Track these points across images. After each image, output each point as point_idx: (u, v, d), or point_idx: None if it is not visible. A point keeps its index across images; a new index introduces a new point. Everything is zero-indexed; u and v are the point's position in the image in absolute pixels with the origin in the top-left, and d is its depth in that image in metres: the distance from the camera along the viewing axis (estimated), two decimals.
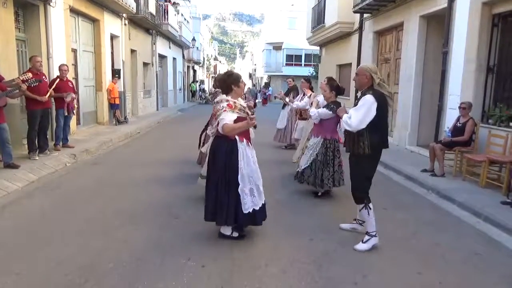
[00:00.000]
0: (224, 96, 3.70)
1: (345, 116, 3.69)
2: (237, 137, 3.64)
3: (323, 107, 5.10)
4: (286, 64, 37.42)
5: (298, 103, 6.90)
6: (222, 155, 3.64)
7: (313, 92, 7.26)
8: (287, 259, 3.45)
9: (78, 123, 10.44)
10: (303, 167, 5.27)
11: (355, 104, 3.71)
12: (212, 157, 3.72)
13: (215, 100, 3.78)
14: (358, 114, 3.53)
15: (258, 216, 3.76)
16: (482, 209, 4.84)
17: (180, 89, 26.96)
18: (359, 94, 3.84)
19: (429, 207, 5.24)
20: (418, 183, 6.36)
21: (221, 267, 3.26)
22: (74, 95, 7.83)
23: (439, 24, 8.36)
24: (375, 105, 3.52)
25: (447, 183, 6.08)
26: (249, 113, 3.75)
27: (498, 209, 4.87)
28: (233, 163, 3.63)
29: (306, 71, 29.65)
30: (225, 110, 3.57)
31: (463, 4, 7.24)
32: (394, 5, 9.95)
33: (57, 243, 3.65)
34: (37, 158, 6.77)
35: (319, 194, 5.35)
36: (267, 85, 36.19)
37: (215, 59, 63.87)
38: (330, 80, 5.16)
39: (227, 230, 3.82)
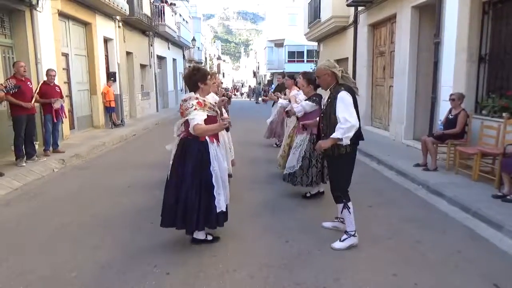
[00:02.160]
0: (192, 93, 3.55)
1: (338, 130, 3.40)
2: (207, 138, 3.52)
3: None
4: (289, 61, 37.16)
5: (282, 101, 6.75)
6: (193, 158, 3.48)
7: (298, 88, 7.08)
8: (257, 263, 3.33)
9: (72, 127, 10.43)
10: (295, 168, 4.95)
11: (329, 103, 3.57)
12: (181, 160, 3.53)
13: (183, 98, 3.64)
14: (350, 112, 3.40)
15: (221, 218, 3.61)
16: (471, 204, 4.66)
17: (181, 90, 26.90)
18: (326, 93, 3.72)
19: (417, 203, 5.07)
20: (409, 178, 6.18)
21: (186, 273, 3.15)
22: (62, 101, 7.78)
23: (431, 14, 8.13)
24: (351, 99, 3.47)
25: (438, 178, 5.90)
26: (219, 111, 3.65)
27: (488, 203, 4.69)
28: (205, 165, 3.49)
29: (309, 67, 29.44)
30: (195, 109, 3.41)
31: None
32: None
33: (25, 252, 3.58)
34: (24, 164, 6.74)
35: (308, 195, 5.14)
36: (269, 82, 36.03)
37: (219, 58, 63.86)
38: (306, 74, 5.02)
39: (201, 235, 3.69)
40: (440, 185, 5.51)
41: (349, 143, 3.43)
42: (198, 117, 3.39)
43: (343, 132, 3.39)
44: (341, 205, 3.61)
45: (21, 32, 8.14)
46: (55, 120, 7.69)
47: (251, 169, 6.80)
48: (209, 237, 3.72)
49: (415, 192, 5.56)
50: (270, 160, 7.34)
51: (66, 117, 8.36)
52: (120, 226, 4.22)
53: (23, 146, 6.89)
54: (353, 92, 3.52)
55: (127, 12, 13.06)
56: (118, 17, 13.47)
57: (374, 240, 3.80)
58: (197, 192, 3.50)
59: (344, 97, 3.43)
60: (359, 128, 3.54)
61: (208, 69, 40.99)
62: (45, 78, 7.88)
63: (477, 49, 6.61)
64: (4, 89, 5.96)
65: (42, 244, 3.75)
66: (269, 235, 3.95)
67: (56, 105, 7.53)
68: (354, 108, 3.47)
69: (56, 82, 8.99)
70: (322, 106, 3.67)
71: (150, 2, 17.16)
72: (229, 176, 4.95)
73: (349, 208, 3.61)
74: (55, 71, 7.90)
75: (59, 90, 7.86)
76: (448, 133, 6.30)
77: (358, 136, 3.57)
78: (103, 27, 12.32)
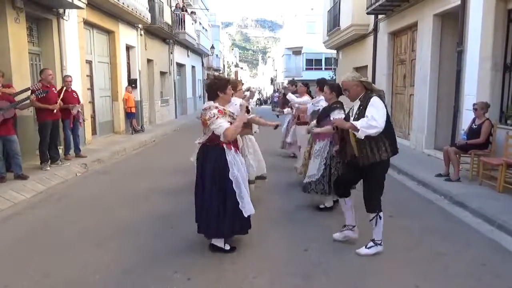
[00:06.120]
0: (211, 102, 3.61)
1: (362, 121, 3.32)
2: (224, 145, 3.57)
3: (325, 111, 4.86)
4: (306, 69, 37.18)
5: (294, 98, 6.84)
6: (211, 164, 3.56)
7: (311, 96, 7.13)
8: (277, 270, 3.33)
9: (94, 133, 10.66)
10: (316, 177, 4.80)
11: (361, 111, 3.46)
12: (201, 167, 3.64)
13: (203, 107, 3.71)
14: (379, 113, 3.31)
15: (248, 222, 3.70)
16: (496, 216, 4.55)
17: (200, 97, 27.21)
18: (355, 103, 3.63)
19: (439, 214, 4.97)
20: (431, 188, 6.08)
21: (207, 279, 3.17)
22: (79, 107, 7.89)
23: (454, 22, 8.03)
24: (384, 105, 3.42)
25: (461, 188, 5.78)
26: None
27: None
28: (223, 171, 3.54)
29: (327, 75, 29.36)
30: (217, 117, 3.49)
31: (476, 0, 6.92)
32: (408, 5, 9.65)
33: (50, 254, 3.66)
34: (49, 168, 6.91)
35: (321, 206, 5.04)
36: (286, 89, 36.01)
37: (236, 65, 64.33)
38: (322, 81, 5.04)
39: (219, 242, 3.69)
40: (463, 196, 5.40)
41: (362, 137, 3.33)
42: (224, 124, 3.48)
43: (365, 125, 3.28)
44: (373, 215, 3.58)
45: (48, 40, 8.40)
46: (72, 126, 7.82)
47: (269, 177, 6.77)
48: (227, 247, 3.70)
49: (437, 203, 5.46)
50: (288, 168, 7.33)
51: (83, 121, 8.36)
52: (141, 230, 4.28)
53: (48, 151, 7.07)
54: (383, 100, 3.47)
55: (149, 21, 13.34)
56: (140, 25, 13.75)
57: (396, 251, 3.74)
58: (218, 199, 3.56)
59: (376, 101, 3.39)
60: (395, 137, 3.54)
61: (226, 76, 41.12)
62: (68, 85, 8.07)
63: (502, 57, 6.48)
64: (33, 94, 6.15)
65: (66, 247, 3.84)
66: (288, 243, 3.94)
67: (74, 111, 7.65)
68: (389, 117, 3.44)
69: (80, 88, 9.27)
70: (353, 116, 3.58)
71: (171, 10, 17.48)
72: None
73: (380, 218, 3.59)
74: (71, 77, 7.98)
75: (76, 96, 7.96)
76: (472, 143, 6.19)
77: (396, 141, 3.56)
78: (125, 35, 12.61)
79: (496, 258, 3.63)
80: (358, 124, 3.34)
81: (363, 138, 3.34)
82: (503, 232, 4.26)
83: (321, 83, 5.30)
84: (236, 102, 4.31)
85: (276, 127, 4.67)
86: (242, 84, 5.35)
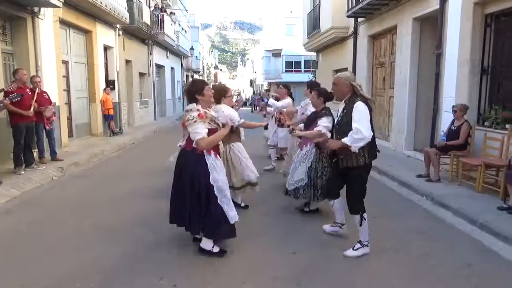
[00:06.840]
0: (194, 105, 3.52)
1: (349, 137, 3.36)
2: (204, 150, 3.47)
3: (314, 117, 4.80)
4: (286, 71, 37.40)
5: (274, 101, 6.78)
6: (189, 169, 3.47)
7: (292, 98, 7.10)
8: (265, 275, 3.26)
9: (70, 135, 10.34)
10: (305, 181, 4.68)
11: (344, 114, 3.51)
12: (179, 172, 3.56)
13: (186, 108, 3.62)
14: (364, 123, 3.35)
15: (233, 228, 3.62)
16: (478, 216, 4.63)
17: (179, 98, 26.90)
18: (340, 104, 3.65)
19: (422, 215, 5.03)
20: (412, 189, 6.16)
21: (194, 285, 3.07)
22: (52, 108, 7.60)
23: (433, 26, 8.20)
24: (368, 111, 3.44)
25: (442, 189, 5.87)
26: (220, 124, 3.60)
27: (494, 215, 4.66)
28: (202, 177, 3.45)
29: (306, 77, 29.60)
30: (195, 121, 3.37)
31: (455, 5, 7.08)
32: (388, 8, 9.81)
33: (27, 262, 3.49)
34: (23, 172, 6.63)
35: (306, 210, 4.99)
36: (267, 91, 36.11)
37: (216, 67, 64.07)
38: (314, 85, 4.99)
39: (207, 245, 3.62)
40: (444, 196, 5.48)
41: (357, 150, 3.38)
42: (200, 130, 3.36)
43: (352, 140, 3.35)
44: (358, 216, 3.59)
45: (22, 39, 8.08)
46: (47, 127, 7.49)
47: None
48: (215, 249, 3.63)
49: (419, 203, 5.53)
50: (272, 171, 7.29)
51: (51, 125, 7.61)
52: (123, 236, 4.14)
53: (22, 154, 6.79)
54: (369, 105, 3.47)
55: (128, 21, 13.06)
56: (118, 26, 13.45)
57: (382, 252, 3.74)
58: (198, 203, 3.48)
59: (360, 107, 3.40)
60: (374, 141, 3.53)
61: (206, 78, 40.83)
62: (46, 86, 7.77)
63: (479, 61, 6.64)
64: (6, 98, 5.88)
65: (43, 254, 3.66)
66: (275, 246, 3.88)
67: (47, 113, 7.34)
68: (372, 121, 3.45)
69: (56, 89, 8.98)
70: (337, 118, 3.62)
71: (150, 11, 17.22)
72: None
73: (365, 219, 3.60)
74: (39, 77, 7.59)
75: (47, 97, 7.61)
76: (451, 144, 6.30)
77: (376, 147, 3.58)
78: (103, 35, 12.31)
79: (481, 258, 3.68)
80: (347, 141, 3.38)
81: (357, 150, 3.38)
82: (485, 232, 4.33)
83: (312, 85, 5.25)
84: (223, 109, 4.11)
85: (266, 127, 4.74)
86: (235, 94, 5.23)
